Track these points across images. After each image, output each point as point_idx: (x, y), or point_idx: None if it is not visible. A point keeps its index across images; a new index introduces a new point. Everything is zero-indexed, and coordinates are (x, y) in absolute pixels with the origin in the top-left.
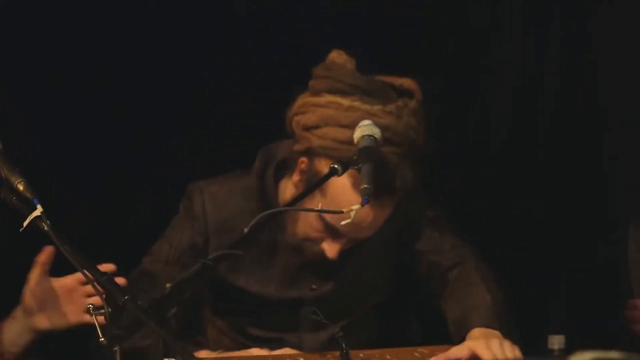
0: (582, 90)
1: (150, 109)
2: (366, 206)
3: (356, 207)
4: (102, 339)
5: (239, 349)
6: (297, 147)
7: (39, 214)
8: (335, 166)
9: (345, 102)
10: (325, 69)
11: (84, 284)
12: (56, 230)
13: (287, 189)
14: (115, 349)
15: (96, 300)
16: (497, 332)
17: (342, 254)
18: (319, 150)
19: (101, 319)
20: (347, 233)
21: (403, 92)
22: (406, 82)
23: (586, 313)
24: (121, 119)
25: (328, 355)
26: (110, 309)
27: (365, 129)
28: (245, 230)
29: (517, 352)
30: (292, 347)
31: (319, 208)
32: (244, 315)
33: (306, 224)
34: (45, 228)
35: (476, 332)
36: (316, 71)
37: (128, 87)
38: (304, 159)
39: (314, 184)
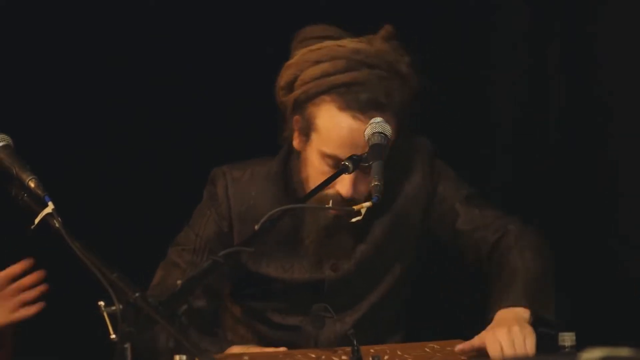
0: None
1: (167, 100)
2: (358, 126)
3: (367, 204)
4: (113, 336)
5: (252, 337)
6: (288, 111)
7: (50, 211)
8: (346, 163)
9: (315, 46)
10: (299, 36)
11: (12, 281)
12: (67, 227)
13: (297, 163)
14: (126, 346)
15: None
16: (522, 313)
17: (363, 232)
18: (303, 96)
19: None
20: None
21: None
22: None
23: (596, 310)
24: (134, 112)
25: (339, 352)
26: (121, 306)
27: (376, 126)
28: (256, 227)
29: (531, 344)
30: (309, 335)
31: (329, 205)
32: (265, 300)
33: (315, 171)
34: (57, 225)
35: (500, 315)
36: (293, 43)
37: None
38: (297, 117)
39: (322, 183)
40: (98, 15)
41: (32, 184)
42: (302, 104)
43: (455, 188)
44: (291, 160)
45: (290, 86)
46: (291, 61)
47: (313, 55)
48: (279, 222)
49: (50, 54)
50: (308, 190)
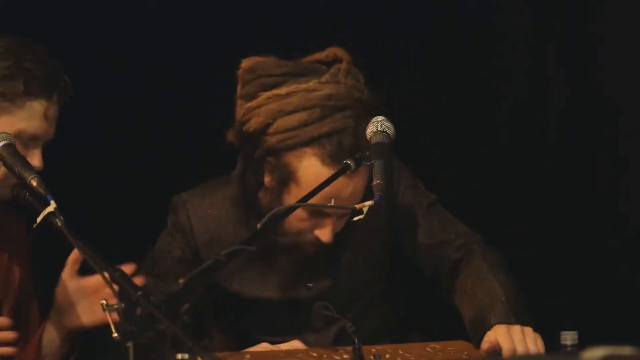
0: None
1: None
2: (343, 178)
3: (369, 203)
4: (115, 335)
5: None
6: (258, 152)
7: (52, 209)
8: (349, 162)
9: (282, 91)
10: (251, 72)
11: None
12: (69, 226)
13: (265, 195)
14: (128, 344)
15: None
16: (517, 327)
17: (335, 248)
18: (279, 145)
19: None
20: (332, 211)
21: (331, 62)
22: (330, 52)
23: (598, 308)
24: (134, 112)
25: (340, 350)
26: (123, 305)
27: (378, 125)
28: (258, 225)
29: (540, 342)
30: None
31: (330, 204)
32: (245, 320)
33: (293, 217)
34: (59, 224)
35: (494, 331)
36: (243, 77)
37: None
38: (269, 158)
39: (325, 182)
40: (98, 15)
41: (34, 183)
42: (278, 152)
43: (415, 195)
44: (251, 186)
45: (261, 132)
46: (257, 106)
47: (284, 104)
48: (279, 223)
49: (50, 53)
50: (278, 229)
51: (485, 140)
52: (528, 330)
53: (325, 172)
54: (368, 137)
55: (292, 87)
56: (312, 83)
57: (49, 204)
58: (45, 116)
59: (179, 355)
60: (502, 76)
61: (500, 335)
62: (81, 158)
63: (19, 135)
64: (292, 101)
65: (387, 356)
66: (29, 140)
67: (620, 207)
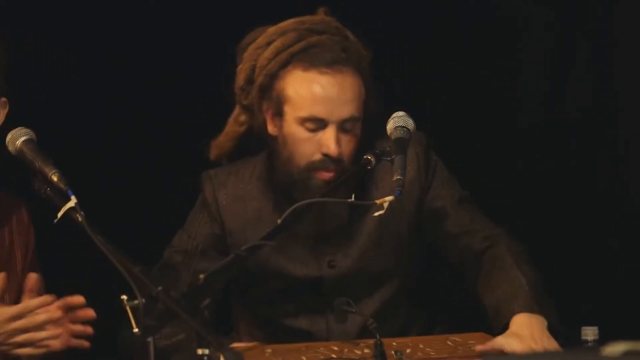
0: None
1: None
2: (328, 80)
3: (389, 198)
4: (136, 330)
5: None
6: (255, 104)
7: (73, 205)
8: (369, 157)
9: (263, 40)
10: (240, 45)
11: (69, 310)
12: (90, 221)
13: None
14: (149, 339)
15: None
16: (539, 317)
17: (357, 225)
18: (266, 79)
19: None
20: (327, 115)
21: None
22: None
23: (620, 304)
24: (134, 112)
25: (361, 344)
26: (143, 300)
27: (398, 120)
28: (279, 221)
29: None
30: (320, 337)
31: (351, 199)
32: (270, 304)
33: (295, 140)
34: (79, 219)
35: (518, 319)
36: (238, 55)
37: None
38: (265, 103)
39: (349, 174)
40: (98, 15)
41: (54, 178)
42: (267, 87)
43: (448, 188)
44: (273, 154)
45: (249, 80)
46: (242, 63)
47: (261, 41)
48: (304, 216)
49: (50, 53)
50: (293, 169)
51: (485, 140)
52: (543, 339)
53: (310, 77)
54: (388, 132)
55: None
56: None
57: (69, 199)
58: None
59: (200, 351)
60: (502, 76)
61: (513, 345)
62: (81, 158)
63: None
64: (268, 34)
65: (408, 350)
66: None
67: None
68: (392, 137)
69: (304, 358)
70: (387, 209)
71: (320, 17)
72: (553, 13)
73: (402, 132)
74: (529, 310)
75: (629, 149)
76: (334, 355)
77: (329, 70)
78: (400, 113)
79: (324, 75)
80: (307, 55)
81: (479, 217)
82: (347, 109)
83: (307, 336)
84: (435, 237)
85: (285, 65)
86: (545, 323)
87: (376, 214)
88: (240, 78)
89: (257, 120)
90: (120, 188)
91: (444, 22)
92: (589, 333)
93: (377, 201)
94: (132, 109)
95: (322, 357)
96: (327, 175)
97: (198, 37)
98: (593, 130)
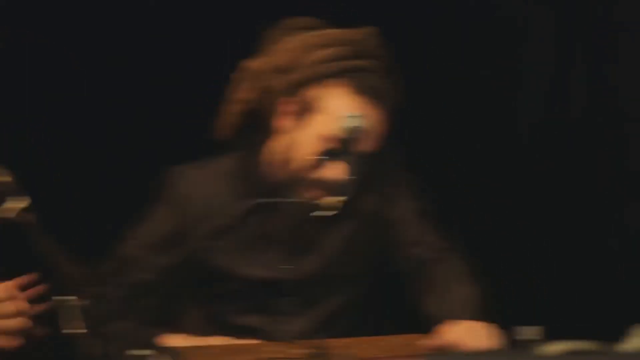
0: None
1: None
2: (370, 112)
3: (336, 199)
4: (66, 331)
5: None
6: (274, 94)
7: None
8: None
9: (313, 32)
10: (280, 27)
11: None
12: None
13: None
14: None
15: None
16: (486, 324)
17: (320, 229)
18: (305, 78)
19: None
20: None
21: None
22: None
23: (620, 304)
24: (134, 112)
25: (296, 345)
26: (84, 302)
27: (352, 120)
28: (236, 220)
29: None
30: (269, 336)
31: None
32: (223, 301)
33: (304, 153)
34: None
35: (465, 323)
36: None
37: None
38: (287, 99)
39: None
40: (98, 15)
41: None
42: (302, 86)
43: (409, 198)
44: (254, 153)
45: (283, 69)
46: (282, 45)
47: (316, 39)
48: (252, 216)
49: (50, 53)
50: (282, 172)
51: (485, 140)
52: (490, 330)
53: (357, 103)
54: (340, 131)
55: (325, 30)
56: (343, 30)
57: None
58: None
59: (137, 352)
60: (502, 76)
61: (464, 337)
62: (81, 158)
63: None
64: (325, 38)
65: (354, 350)
66: None
67: (602, 199)
68: (344, 136)
69: (247, 358)
70: (346, 213)
71: (374, 40)
72: (553, 13)
73: (353, 131)
74: (470, 317)
75: (629, 149)
76: (276, 356)
77: (374, 102)
78: (355, 112)
79: (367, 107)
80: (360, 78)
81: (431, 230)
82: (369, 144)
83: (256, 334)
84: (387, 244)
85: (334, 75)
86: (492, 329)
87: (324, 213)
88: (273, 61)
89: (263, 105)
90: (120, 188)
91: (443, 22)
92: (530, 333)
93: (322, 202)
94: (132, 109)
95: (264, 356)
96: (316, 195)
97: (198, 37)
98: (593, 130)
